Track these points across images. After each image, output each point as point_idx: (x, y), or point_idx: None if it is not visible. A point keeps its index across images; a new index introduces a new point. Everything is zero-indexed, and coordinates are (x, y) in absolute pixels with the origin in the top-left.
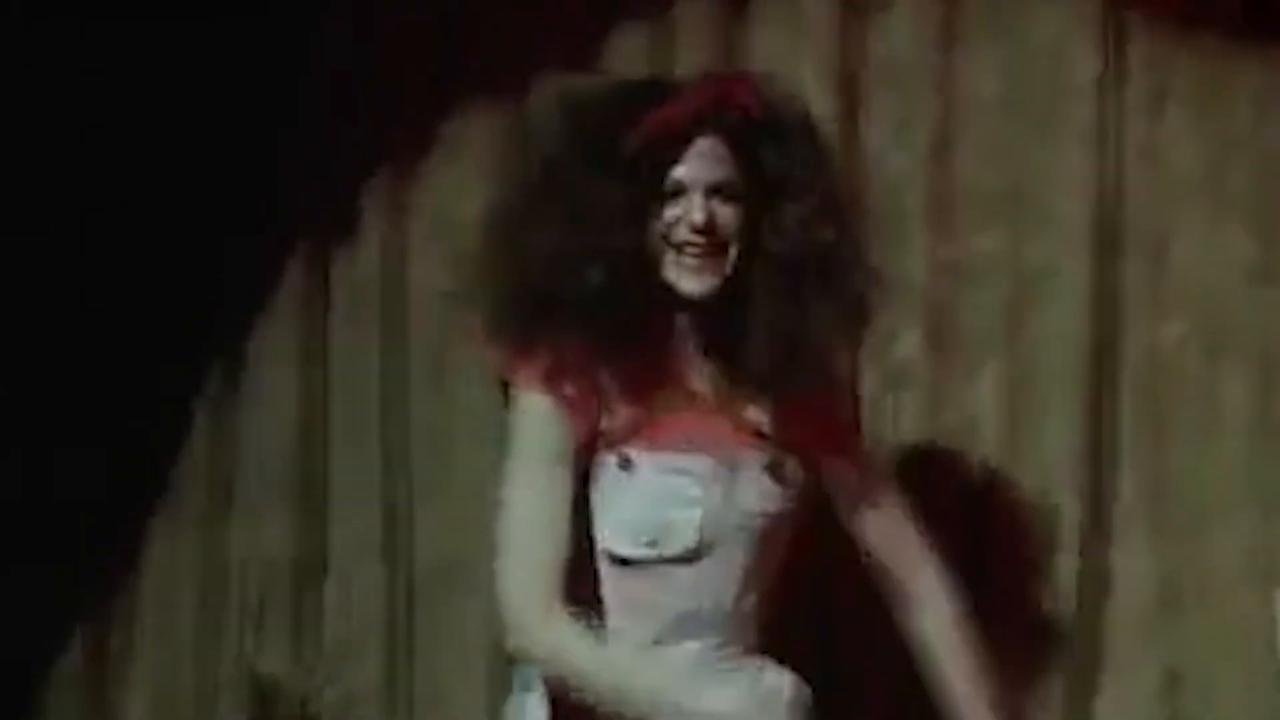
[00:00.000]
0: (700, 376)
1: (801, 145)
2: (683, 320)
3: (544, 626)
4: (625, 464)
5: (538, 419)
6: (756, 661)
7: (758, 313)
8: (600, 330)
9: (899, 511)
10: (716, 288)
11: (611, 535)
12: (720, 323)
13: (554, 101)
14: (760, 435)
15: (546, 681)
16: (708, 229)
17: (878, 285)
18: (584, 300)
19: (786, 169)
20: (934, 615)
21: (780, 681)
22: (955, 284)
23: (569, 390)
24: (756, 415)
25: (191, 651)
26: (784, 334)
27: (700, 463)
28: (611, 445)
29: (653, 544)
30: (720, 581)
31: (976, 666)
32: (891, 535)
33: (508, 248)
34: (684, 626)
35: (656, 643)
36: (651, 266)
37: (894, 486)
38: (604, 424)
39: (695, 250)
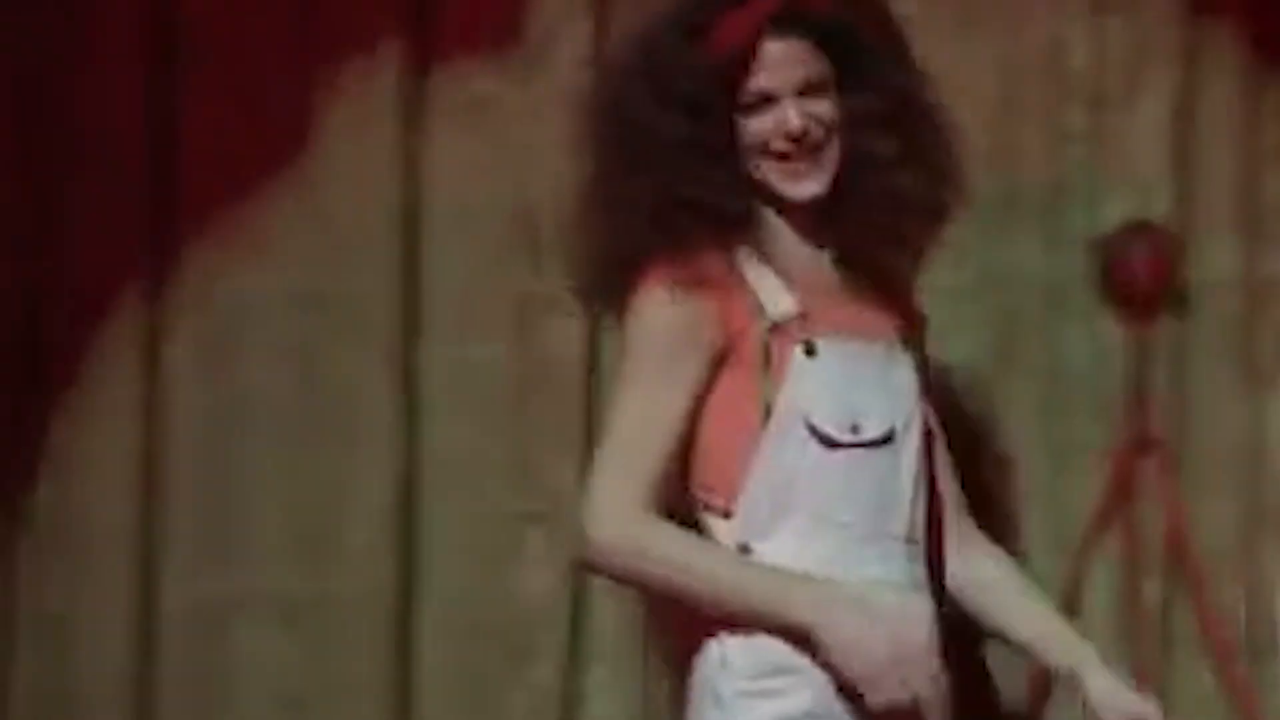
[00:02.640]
0: (820, 269)
1: (881, 40)
2: (796, 218)
3: (631, 522)
4: (810, 350)
5: (676, 323)
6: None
7: (860, 210)
8: (729, 230)
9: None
10: (826, 188)
11: (818, 417)
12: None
13: (620, 48)
14: (893, 324)
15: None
16: (801, 132)
17: (956, 185)
18: (707, 202)
19: (868, 64)
20: (990, 559)
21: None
22: None
23: (718, 287)
24: (884, 298)
25: None
26: (884, 229)
27: (872, 348)
28: (790, 335)
29: (855, 429)
30: (905, 472)
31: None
32: (945, 472)
33: (605, 205)
34: (880, 519)
35: (858, 535)
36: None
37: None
38: (768, 316)
39: (798, 154)
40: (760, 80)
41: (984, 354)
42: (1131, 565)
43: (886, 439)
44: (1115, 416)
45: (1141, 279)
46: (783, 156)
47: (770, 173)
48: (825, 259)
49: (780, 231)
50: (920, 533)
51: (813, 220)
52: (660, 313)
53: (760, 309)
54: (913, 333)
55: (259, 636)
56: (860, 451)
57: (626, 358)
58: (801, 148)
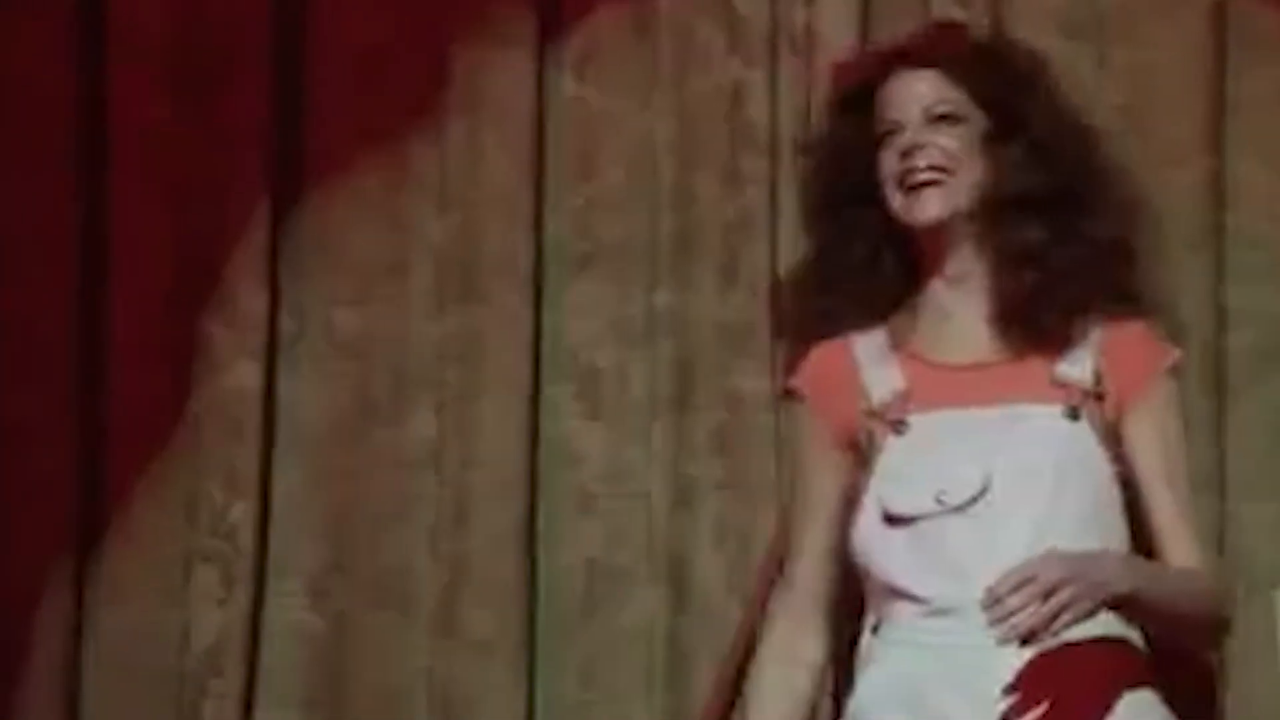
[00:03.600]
0: (966, 328)
1: (1027, 76)
2: (937, 259)
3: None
4: (900, 428)
5: (800, 424)
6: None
7: (1002, 261)
8: (869, 304)
9: (1182, 484)
10: (945, 216)
11: (890, 496)
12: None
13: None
14: (1058, 382)
15: None
16: (919, 151)
17: (1134, 220)
18: (848, 282)
19: (1014, 100)
20: None
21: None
22: None
23: (825, 382)
24: (1058, 361)
25: None
26: (1028, 282)
27: (975, 413)
28: (882, 417)
29: (940, 499)
30: (1014, 529)
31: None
32: (1165, 507)
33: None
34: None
35: (944, 608)
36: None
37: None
38: (871, 403)
39: (916, 178)
40: (888, 111)
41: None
42: None
43: (974, 499)
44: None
45: None
46: (903, 180)
47: (898, 205)
48: (971, 317)
49: (929, 298)
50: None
51: (964, 279)
52: (796, 412)
53: (865, 395)
54: (1073, 395)
55: None
56: (937, 521)
57: None
58: (919, 170)
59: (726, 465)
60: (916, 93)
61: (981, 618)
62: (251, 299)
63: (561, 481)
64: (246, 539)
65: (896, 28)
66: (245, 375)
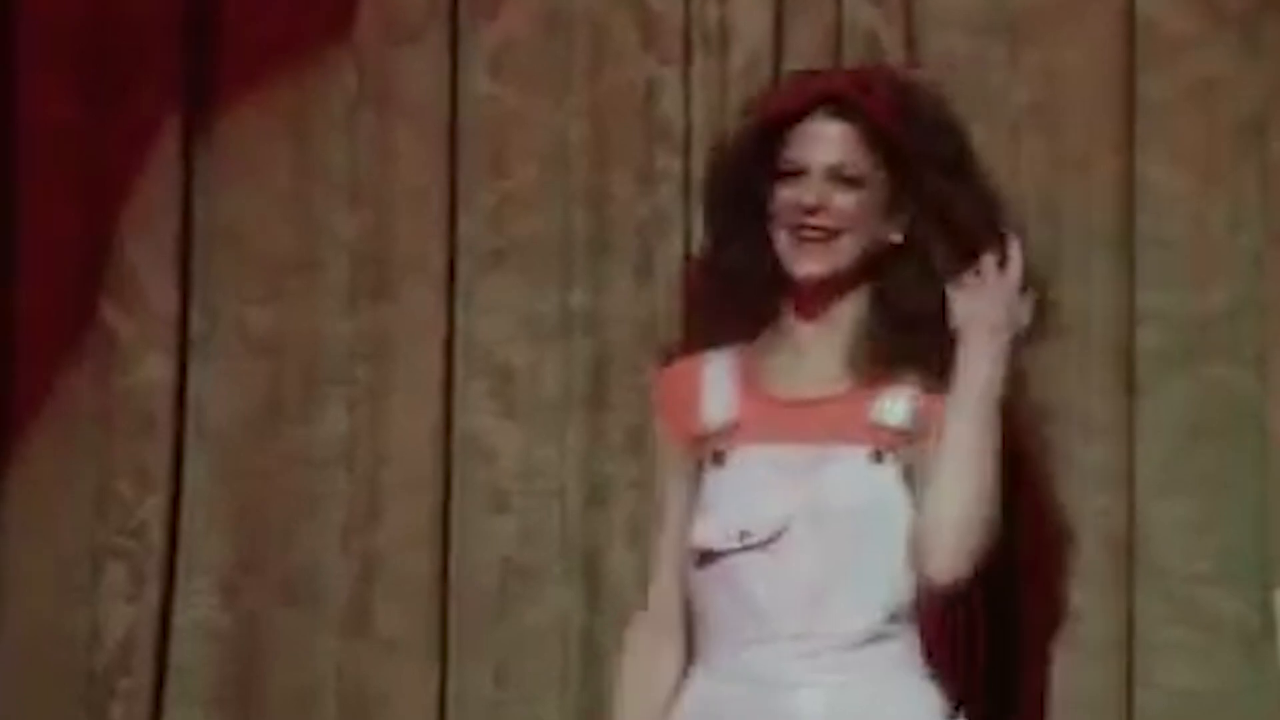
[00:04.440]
0: (814, 365)
1: (940, 133)
2: (808, 303)
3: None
4: (719, 458)
5: (658, 439)
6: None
7: (894, 301)
8: (737, 320)
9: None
10: (826, 275)
11: (700, 531)
12: (855, 308)
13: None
14: (872, 425)
15: None
16: (819, 211)
17: (1032, 290)
18: (726, 289)
19: (925, 155)
20: None
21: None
22: None
23: (673, 402)
24: (878, 403)
25: None
26: (926, 342)
27: (789, 451)
28: (710, 446)
29: (742, 535)
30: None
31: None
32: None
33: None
34: (769, 621)
35: (747, 640)
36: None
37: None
38: (704, 427)
39: (809, 234)
40: (795, 150)
41: (581, 389)
42: None
43: (773, 538)
44: None
45: None
46: (796, 230)
47: (784, 247)
48: (824, 354)
49: (786, 333)
50: (845, 623)
51: (828, 320)
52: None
53: (701, 420)
54: (882, 438)
55: None
56: (741, 558)
57: None
58: (813, 227)
59: (641, 464)
60: (827, 146)
61: (774, 653)
62: (162, 295)
63: (475, 479)
64: (156, 536)
65: (810, 26)
66: (156, 371)
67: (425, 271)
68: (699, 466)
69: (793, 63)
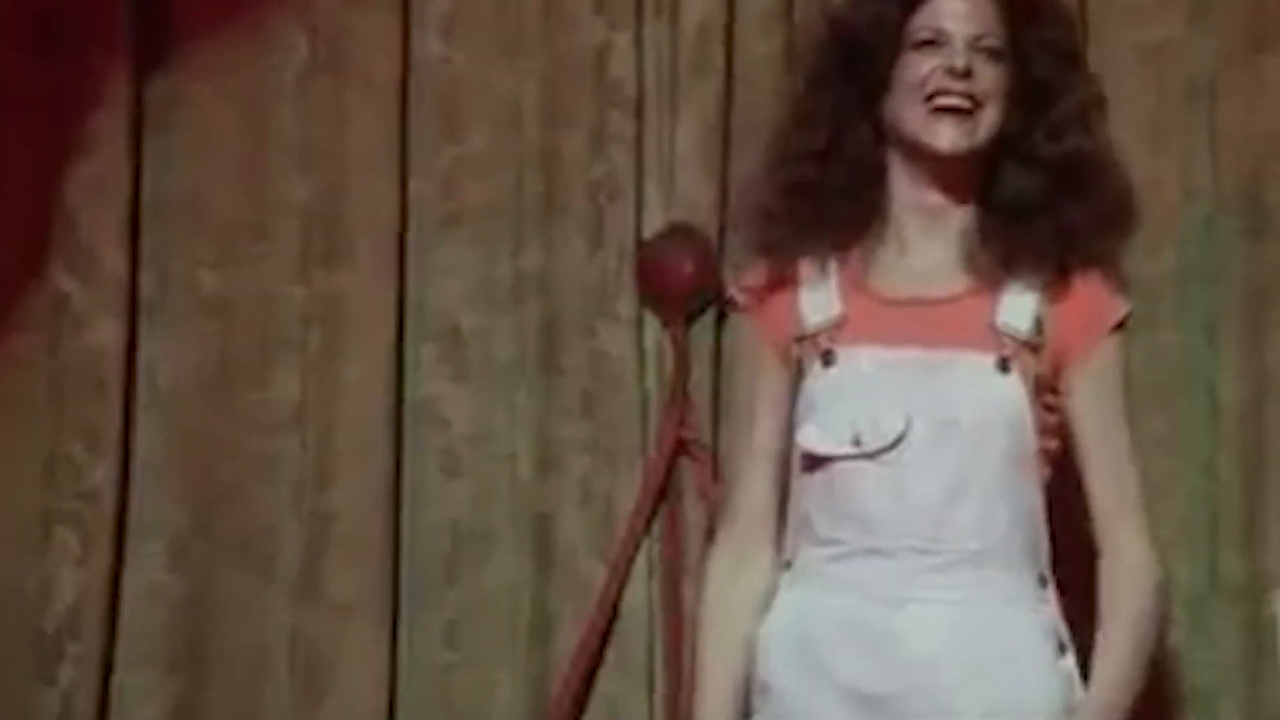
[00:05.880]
0: (923, 263)
1: (1061, 23)
2: (923, 191)
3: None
4: (829, 358)
5: (740, 334)
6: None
7: (1014, 211)
8: (832, 232)
9: (1123, 451)
10: (966, 150)
11: (808, 433)
12: (968, 202)
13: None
14: (996, 330)
15: None
16: (967, 80)
17: (1132, 193)
18: (817, 211)
19: (1048, 41)
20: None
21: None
22: None
23: (763, 301)
24: (1001, 307)
25: None
26: (1038, 236)
27: (906, 354)
28: (814, 343)
29: (856, 440)
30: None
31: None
32: (1104, 479)
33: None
34: (884, 533)
35: (859, 551)
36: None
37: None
38: (804, 326)
39: (952, 102)
40: (938, 19)
41: (533, 353)
42: (671, 566)
43: (890, 446)
44: (656, 419)
45: (677, 282)
46: (935, 98)
47: (917, 120)
48: (933, 252)
49: (894, 228)
50: (965, 540)
51: (941, 214)
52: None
53: (801, 318)
54: (1007, 346)
55: None
56: (852, 464)
57: None
58: (959, 94)
59: (592, 428)
60: (972, 15)
61: (885, 567)
62: (113, 258)
63: (426, 443)
64: (107, 500)
65: None
66: (107, 335)
67: (377, 235)
68: (797, 369)
69: (744, 26)
